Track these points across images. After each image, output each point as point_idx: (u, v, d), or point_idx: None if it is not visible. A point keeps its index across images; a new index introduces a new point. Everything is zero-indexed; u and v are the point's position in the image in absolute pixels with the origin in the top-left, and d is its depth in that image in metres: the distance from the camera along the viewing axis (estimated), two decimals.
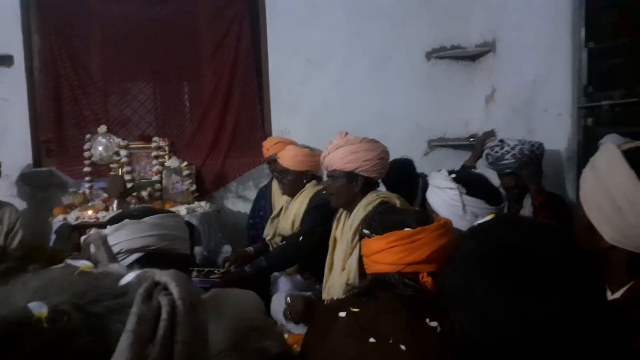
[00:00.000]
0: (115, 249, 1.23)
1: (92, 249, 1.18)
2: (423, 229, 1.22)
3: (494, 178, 2.37)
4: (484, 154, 2.62)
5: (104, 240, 1.07)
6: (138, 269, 0.49)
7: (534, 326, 0.67)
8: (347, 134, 2.22)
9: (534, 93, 2.95)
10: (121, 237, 1.23)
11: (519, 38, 3.15)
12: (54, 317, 0.45)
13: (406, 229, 1.22)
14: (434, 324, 1.14)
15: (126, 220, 1.23)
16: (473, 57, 3.81)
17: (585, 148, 2.45)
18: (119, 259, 1.23)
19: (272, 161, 3.17)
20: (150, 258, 1.22)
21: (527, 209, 2.47)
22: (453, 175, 1.69)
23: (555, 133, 2.67)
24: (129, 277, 0.51)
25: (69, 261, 0.54)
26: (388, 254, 1.21)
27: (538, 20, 2.88)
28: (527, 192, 2.47)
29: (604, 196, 1.02)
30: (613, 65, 2.32)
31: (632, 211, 0.96)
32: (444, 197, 1.66)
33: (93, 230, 1.32)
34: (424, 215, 1.31)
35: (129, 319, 0.44)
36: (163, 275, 0.50)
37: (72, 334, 0.45)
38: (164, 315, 0.46)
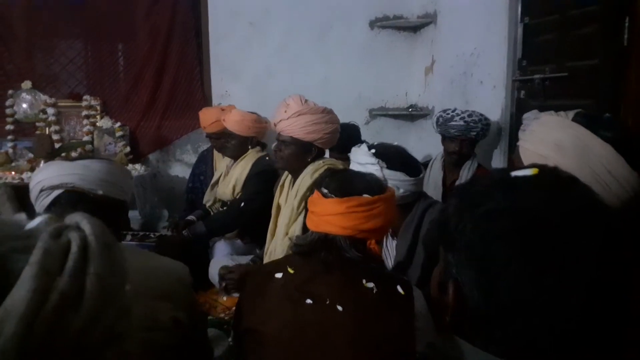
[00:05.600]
0: (37, 188, 1.26)
1: None
2: (380, 198, 1.23)
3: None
4: (434, 118, 2.71)
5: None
6: (57, 209, 0.45)
7: (546, 313, 0.58)
8: (306, 100, 2.14)
9: (471, 65, 3.03)
10: (44, 174, 1.26)
11: (459, 11, 3.20)
12: None
13: (365, 195, 1.22)
14: (370, 284, 1.17)
15: (56, 159, 1.22)
16: (414, 28, 3.85)
17: (518, 119, 2.56)
18: (41, 197, 1.26)
19: (213, 136, 3.03)
20: (71, 198, 1.24)
21: (463, 179, 2.57)
22: (373, 151, 1.72)
23: (490, 104, 2.77)
24: (36, 221, 0.47)
25: None
26: (346, 218, 1.20)
27: None
28: (466, 160, 2.58)
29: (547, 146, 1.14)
30: (546, 41, 2.41)
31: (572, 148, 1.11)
32: None
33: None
34: (379, 182, 1.32)
35: (34, 252, 0.40)
36: (74, 217, 0.47)
37: None
38: (74, 248, 0.42)
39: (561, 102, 2.25)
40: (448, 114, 2.59)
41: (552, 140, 1.15)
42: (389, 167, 1.67)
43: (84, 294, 0.41)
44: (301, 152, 2.10)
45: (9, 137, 3.56)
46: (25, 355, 0.36)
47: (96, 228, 0.45)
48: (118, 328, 0.44)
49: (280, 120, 2.10)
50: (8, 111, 3.57)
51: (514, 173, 0.66)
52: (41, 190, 1.26)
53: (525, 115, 1.30)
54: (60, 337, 0.38)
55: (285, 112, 2.08)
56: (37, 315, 0.37)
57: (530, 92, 2.51)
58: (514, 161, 1.32)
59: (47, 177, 1.26)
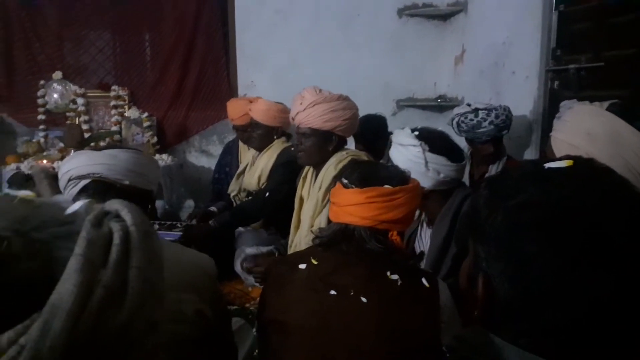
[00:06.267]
0: (66, 177, 1.28)
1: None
2: (402, 189, 1.21)
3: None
4: (453, 123, 2.57)
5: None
6: (85, 198, 0.46)
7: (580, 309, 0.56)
8: (320, 90, 2.13)
9: (502, 55, 2.95)
10: (73, 164, 1.29)
11: None
12: None
13: (386, 186, 1.20)
14: (395, 277, 1.15)
15: (85, 149, 1.26)
16: (444, 16, 3.77)
17: (551, 111, 2.48)
18: (70, 187, 1.28)
19: (240, 128, 3.06)
20: (99, 187, 1.26)
21: (493, 172, 2.51)
22: (416, 133, 1.70)
23: (522, 96, 2.69)
24: (76, 205, 0.48)
25: (7, 190, 0.50)
26: (365, 208, 1.19)
27: None
28: (502, 156, 2.49)
29: (580, 137, 1.11)
30: (582, 29, 2.33)
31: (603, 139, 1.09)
32: (407, 154, 1.66)
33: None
34: (402, 173, 1.30)
35: (78, 242, 0.41)
36: (113, 204, 0.47)
37: (12, 259, 0.41)
38: (116, 240, 0.43)
39: (597, 92, 2.17)
40: (471, 119, 2.40)
41: (584, 129, 1.12)
42: (431, 151, 1.64)
43: (127, 289, 0.42)
44: (322, 142, 2.08)
45: (41, 126, 3.65)
46: (72, 350, 0.37)
47: (136, 217, 0.46)
48: (155, 317, 0.45)
49: (297, 113, 2.08)
50: (40, 101, 3.65)
51: (548, 165, 0.65)
52: (69, 180, 1.29)
53: (562, 104, 1.27)
54: (105, 331, 0.39)
55: (301, 104, 2.06)
56: (84, 311, 0.38)
57: (565, 83, 2.42)
58: (547, 153, 1.28)
59: (75, 167, 1.28)
